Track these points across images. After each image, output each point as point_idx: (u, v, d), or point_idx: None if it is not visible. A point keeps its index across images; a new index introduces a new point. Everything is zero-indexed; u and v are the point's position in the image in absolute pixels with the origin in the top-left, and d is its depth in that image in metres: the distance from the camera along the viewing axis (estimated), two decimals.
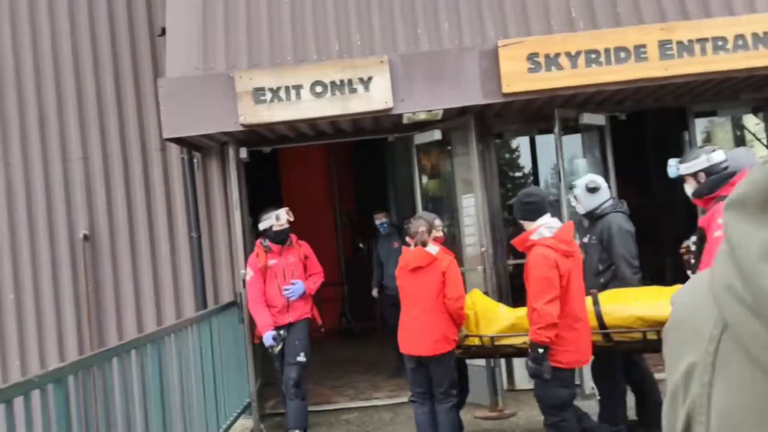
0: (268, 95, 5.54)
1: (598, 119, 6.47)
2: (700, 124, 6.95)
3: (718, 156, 4.03)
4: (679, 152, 13.92)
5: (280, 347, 5.45)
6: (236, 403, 5.91)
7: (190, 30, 5.92)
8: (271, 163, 10.05)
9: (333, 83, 5.52)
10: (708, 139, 7.48)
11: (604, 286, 4.87)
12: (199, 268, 6.51)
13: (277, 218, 5.59)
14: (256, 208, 6.52)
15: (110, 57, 6.73)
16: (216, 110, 5.63)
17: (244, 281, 5.96)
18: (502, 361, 6.14)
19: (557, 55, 5.48)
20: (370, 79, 5.49)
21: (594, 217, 5.12)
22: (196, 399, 4.91)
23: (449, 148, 6.80)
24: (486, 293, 5.83)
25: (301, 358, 5.51)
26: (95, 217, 6.70)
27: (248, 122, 5.58)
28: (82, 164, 6.75)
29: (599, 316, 4.40)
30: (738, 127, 7.89)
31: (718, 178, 3.98)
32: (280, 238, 5.64)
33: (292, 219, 5.63)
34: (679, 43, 5.43)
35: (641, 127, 13.66)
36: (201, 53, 5.85)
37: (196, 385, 4.96)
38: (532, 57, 5.49)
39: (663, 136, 14.03)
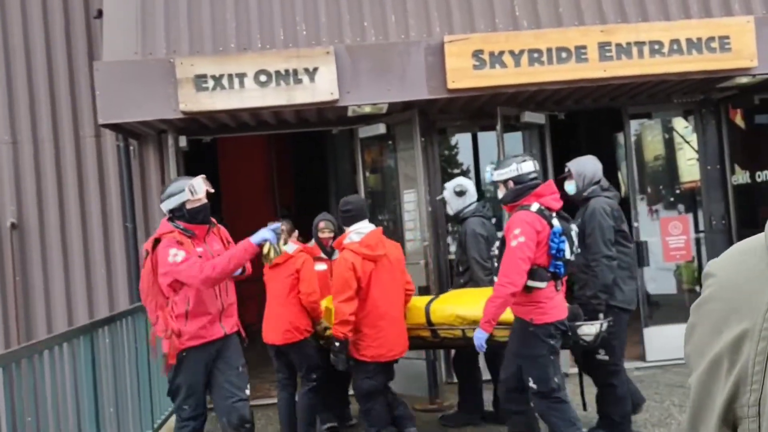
0: (211, 83, 5.41)
1: (539, 118, 6.61)
2: (633, 126, 7.16)
3: (527, 166, 4.20)
4: (611, 154, 14.42)
5: None
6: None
7: (129, 13, 5.72)
8: (208, 154, 9.84)
9: (278, 73, 5.43)
10: (639, 141, 7.72)
11: (463, 286, 5.26)
12: (134, 259, 6.31)
13: (192, 191, 3.97)
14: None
15: (42, 37, 6.43)
16: (155, 97, 5.46)
17: None
18: (442, 354, 6.20)
19: (501, 53, 5.55)
20: (315, 69, 5.44)
21: (458, 219, 5.47)
22: (130, 394, 4.76)
23: (390, 143, 6.81)
24: (428, 287, 5.89)
25: (248, 390, 4.21)
26: (24, 205, 6.40)
27: (189, 110, 5.44)
28: (11, 149, 6.43)
29: (428, 314, 4.77)
30: (667, 129, 8.21)
31: (523, 188, 4.15)
32: (201, 216, 4.03)
33: (212, 190, 4.11)
34: (618, 45, 5.59)
35: (574, 128, 14.07)
36: (140, 38, 5.66)
37: (130, 380, 4.80)
38: (477, 54, 5.55)
39: (596, 137, 14.49)
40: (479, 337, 4.03)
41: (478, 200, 5.50)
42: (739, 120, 7.04)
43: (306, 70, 5.44)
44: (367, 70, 5.55)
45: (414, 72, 5.57)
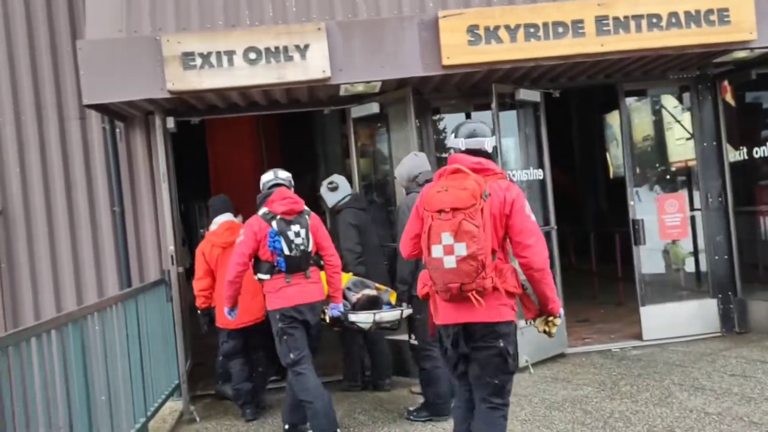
0: (198, 60, 5.25)
1: (534, 95, 6.50)
2: (628, 104, 7.03)
3: (265, 176, 4.88)
4: (601, 134, 14.28)
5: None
6: (164, 385, 5.65)
7: None
8: (196, 136, 9.67)
9: (268, 50, 5.27)
10: (629, 120, 7.62)
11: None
12: (122, 244, 6.17)
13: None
14: (181, 182, 6.23)
15: (23, 15, 6.20)
16: (141, 76, 5.29)
17: (172, 257, 5.68)
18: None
19: (497, 27, 5.42)
20: (307, 46, 5.28)
21: (334, 212, 5.96)
22: (122, 382, 4.63)
23: (378, 124, 6.68)
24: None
25: None
26: (8, 190, 6.21)
27: (176, 89, 5.27)
28: None
29: None
30: (659, 108, 8.13)
31: (262, 196, 4.77)
32: None
33: None
34: (616, 19, 5.47)
35: (566, 108, 13.99)
36: (124, 14, 5.48)
37: (122, 367, 4.68)
38: (472, 29, 5.41)
39: (586, 117, 14.43)
40: None
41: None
42: (729, 98, 6.96)
43: (297, 47, 5.28)
44: (360, 47, 5.40)
45: (408, 48, 5.43)
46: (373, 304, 5.19)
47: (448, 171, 3.31)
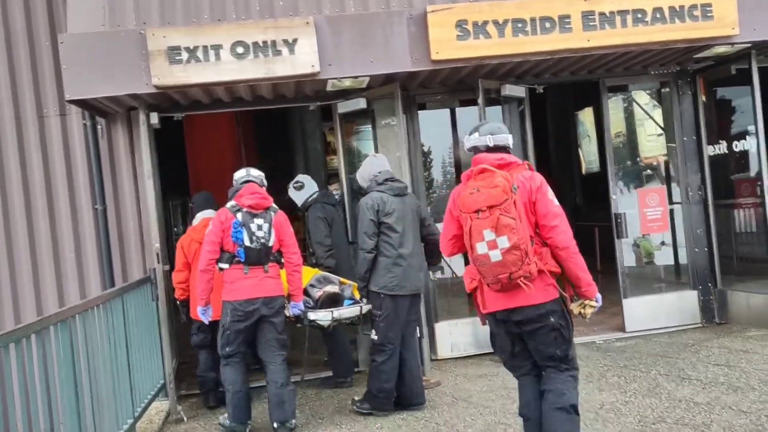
0: (185, 55, 5.16)
1: (519, 91, 6.53)
2: (605, 99, 7.07)
3: (238, 173, 5.02)
4: (574, 128, 14.44)
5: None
6: (150, 385, 5.56)
7: None
8: (173, 133, 9.51)
9: (255, 44, 5.21)
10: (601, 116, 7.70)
11: (314, 266, 5.91)
12: (105, 243, 6.04)
13: None
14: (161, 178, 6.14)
15: None
16: (126, 70, 5.19)
17: (157, 255, 5.59)
18: (426, 332, 6.13)
19: (485, 23, 5.44)
20: (295, 41, 5.23)
21: (304, 209, 6.15)
22: (105, 384, 4.51)
23: (365, 120, 6.66)
24: None
25: None
26: None
27: (162, 84, 5.18)
28: None
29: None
30: (634, 104, 8.26)
31: (233, 190, 4.96)
32: None
33: None
34: (602, 14, 5.52)
35: (542, 105, 14.13)
36: (107, 8, 5.38)
37: (106, 369, 4.56)
38: (460, 24, 5.42)
39: (561, 114, 14.60)
40: None
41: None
42: (708, 93, 7.08)
43: (285, 41, 5.23)
44: (349, 42, 5.37)
45: (397, 43, 5.42)
46: (333, 301, 5.32)
47: (476, 172, 3.49)
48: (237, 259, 4.75)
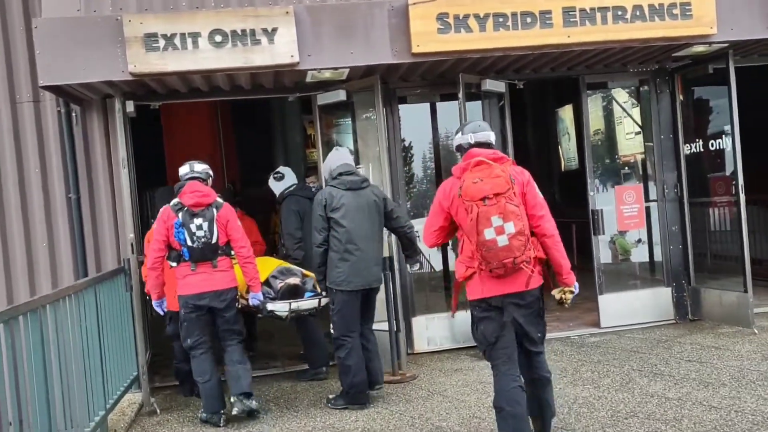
0: (162, 42, 5.09)
1: (499, 86, 6.53)
2: (585, 97, 7.11)
3: (182, 169, 5.13)
4: (554, 126, 14.54)
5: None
6: (123, 377, 5.49)
7: None
8: (150, 122, 9.39)
9: (234, 33, 5.15)
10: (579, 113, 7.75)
11: (285, 257, 6.09)
12: (78, 232, 5.96)
13: None
14: (137, 169, 6.06)
15: None
16: (101, 57, 5.10)
17: (132, 246, 5.51)
18: (403, 326, 6.12)
19: (466, 16, 5.42)
20: (274, 30, 5.18)
21: (281, 200, 6.29)
22: (77, 375, 4.44)
23: (344, 112, 6.62)
24: (391, 256, 5.76)
25: None
26: None
27: (138, 71, 5.10)
28: None
29: None
30: (608, 103, 8.34)
31: (177, 187, 5.11)
32: None
33: None
34: (582, 10, 5.54)
35: (521, 101, 14.20)
36: None
37: (78, 360, 4.48)
38: (441, 17, 5.40)
39: (540, 111, 14.67)
40: None
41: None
42: (685, 92, 7.14)
43: (264, 30, 5.17)
44: (329, 32, 5.33)
45: (378, 35, 5.39)
46: (293, 293, 5.38)
47: (472, 164, 3.65)
48: (183, 257, 4.91)
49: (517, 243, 3.48)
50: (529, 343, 3.79)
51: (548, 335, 6.72)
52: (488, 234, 3.48)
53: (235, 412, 4.93)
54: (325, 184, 5.27)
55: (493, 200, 3.49)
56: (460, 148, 3.85)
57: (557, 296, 3.77)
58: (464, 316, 6.48)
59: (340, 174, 5.09)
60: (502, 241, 3.48)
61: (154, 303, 5.06)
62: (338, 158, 5.20)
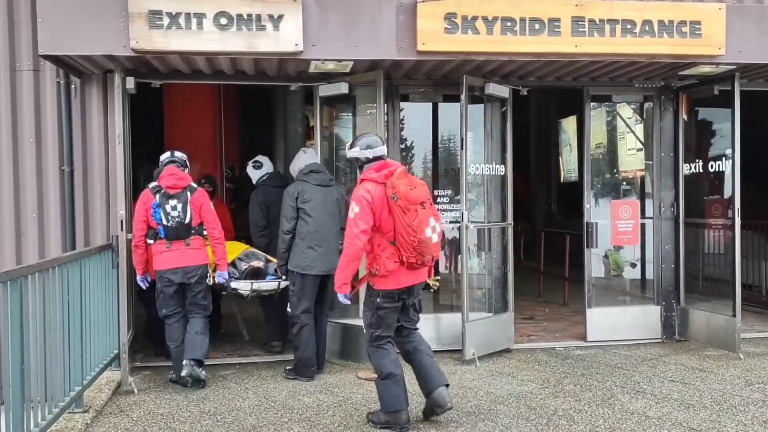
0: (166, 20, 5.04)
1: (503, 91, 6.49)
2: (589, 109, 7.06)
3: (163, 155, 5.65)
4: (555, 136, 14.53)
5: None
6: (103, 354, 5.45)
7: None
8: (152, 100, 9.34)
9: (240, 16, 5.11)
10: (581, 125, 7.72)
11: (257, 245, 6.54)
12: (69, 206, 5.90)
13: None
14: (134, 145, 5.99)
15: None
16: (104, 30, 5.06)
17: (122, 223, 5.47)
18: None
19: (474, 18, 5.38)
20: (281, 17, 5.13)
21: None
22: (55, 348, 4.39)
23: (345, 105, 6.58)
24: None
25: None
26: None
27: (141, 48, 5.06)
28: None
29: None
30: (612, 117, 8.29)
31: (157, 171, 5.58)
32: None
33: None
34: (591, 21, 5.50)
35: (525, 110, 14.19)
36: None
37: (57, 333, 4.44)
38: (449, 17, 5.36)
39: (543, 120, 14.64)
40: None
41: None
42: (689, 111, 7.11)
43: (270, 16, 5.13)
44: (335, 24, 5.29)
45: (384, 30, 5.35)
46: (255, 275, 6.04)
47: (398, 173, 4.26)
48: (159, 235, 5.39)
49: (439, 240, 4.29)
50: (412, 324, 4.56)
51: (533, 345, 6.89)
52: (428, 232, 4.18)
53: (183, 373, 5.34)
54: (295, 179, 5.74)
55: (428, 204, 4.24)
56: (358, 161, 4.46)
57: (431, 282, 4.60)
58: (450, 319, 6.52)
59: (311, 171, 5.65)
60: (434, 239, 4.23)
61: (138, 278, 5.56)
62: (306, 159, 5.76)
